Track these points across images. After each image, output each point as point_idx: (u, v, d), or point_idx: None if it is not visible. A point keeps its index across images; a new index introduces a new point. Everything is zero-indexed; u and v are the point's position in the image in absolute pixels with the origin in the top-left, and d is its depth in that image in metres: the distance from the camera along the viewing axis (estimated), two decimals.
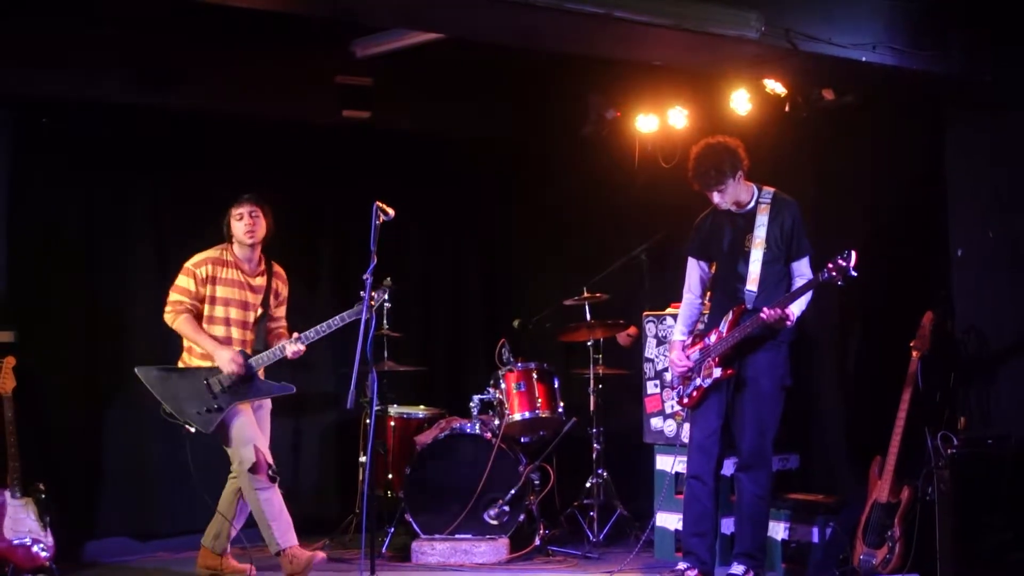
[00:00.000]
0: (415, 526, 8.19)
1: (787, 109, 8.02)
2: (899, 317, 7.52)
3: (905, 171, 7.78)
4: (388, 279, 8.39)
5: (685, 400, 7.22)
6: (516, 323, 8.87)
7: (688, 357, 7.21)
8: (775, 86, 7.81)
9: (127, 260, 8.58)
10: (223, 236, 7.54)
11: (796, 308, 6.93)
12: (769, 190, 7.14)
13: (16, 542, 7.34)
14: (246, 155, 8.87)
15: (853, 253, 6.61)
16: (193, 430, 7.29)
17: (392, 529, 8.42)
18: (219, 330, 7.42)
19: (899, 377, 7.07)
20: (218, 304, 7.45)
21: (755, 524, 7.07)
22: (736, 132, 8.33)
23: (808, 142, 8.27)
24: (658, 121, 8.99)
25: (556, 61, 8.12)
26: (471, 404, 8.58)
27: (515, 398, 8.39)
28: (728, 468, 7.44)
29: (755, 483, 7.02)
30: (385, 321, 8.61)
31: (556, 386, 8.52)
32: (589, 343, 8.58)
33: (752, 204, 7.11)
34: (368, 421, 7.45)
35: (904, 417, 6.91)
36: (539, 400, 8.40)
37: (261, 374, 7.48)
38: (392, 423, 8.69)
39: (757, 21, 6.54)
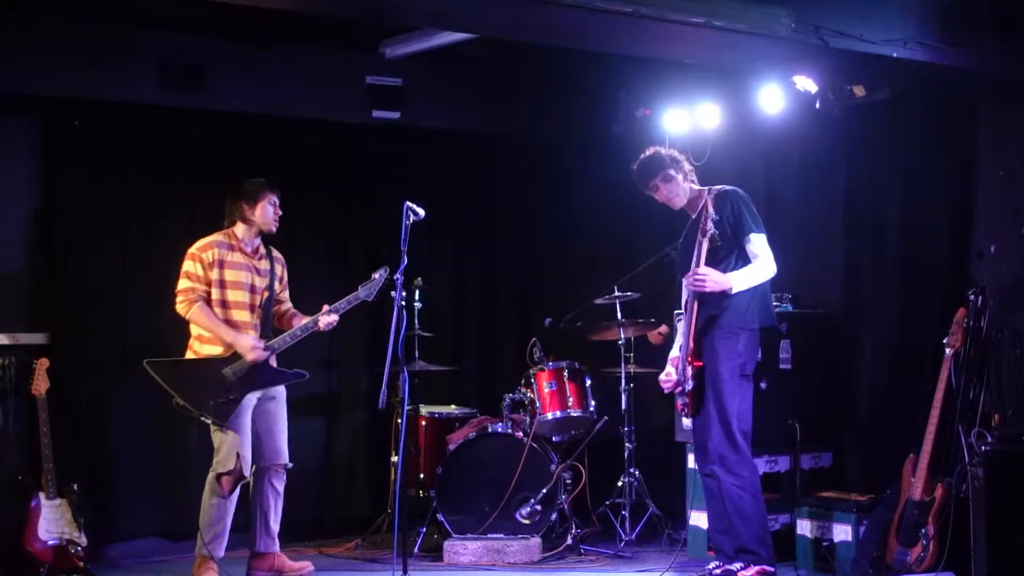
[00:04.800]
0: (447, 526, 8.20)
1: (818, 106, 7.97)
2: (932, 314, 7.50)
3: (937, 167, 7.73)
4: (419, 279, 8.42)
5: (686, 410, 7.12)
6: (547, 322, 8.86)
7: (677, 369, 7.15)
8: (806, 83, 7.78)
9: (159, 261, 8.57)
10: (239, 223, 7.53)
11: (739, 278, 6.90)
12: (715, 188, 7.11)
13: (51, 543, 7.39)
14: (278, 155, 8.90)
15: (709, 201, 6.79)
16: (209, 422, 7.25)
17: (424, 529, 8.42)
18: (224, 313, 7.33)
19: (932, 374, 7.04)
20: (228, 288, 7.36)
21: (743, 518, 6.92)
22: (766, 129, 8.37)
23: (839, 139, 8.23)
24: (688, 119, 8.96)
25: (586, 59, 8.13)
26: (502, 403, 8.58)
27: (546, 397, 8.40)
28: None
29: (730, 473, 6.90)
30: (416, 321, 8.63)
31: (587, 385, 8.52)
32: (620, 342, 8.57)
33: (702, 204, 7.07)
34: (400, 421, 7.47)
35: (937, 414, 6.88)
36: (570, 399, 8.40)
37: (273, 361, 7.45)
38: (424, 423, 8.70)
39: (787, 18, 6.53)
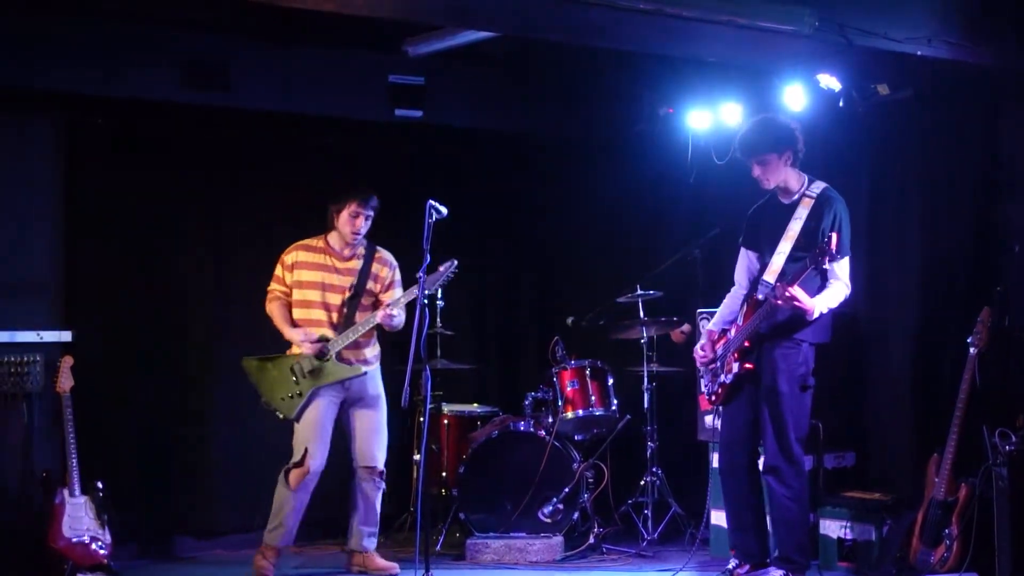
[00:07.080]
0: (469, 524, 8.21)
1: (842, 104, 7.95)
2: (956, 314, 7.46)
3: (961, 166, 7.70)
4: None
5: (712, 398, 7.14)
6: (569, 320, 8.86)
7: (716, 351, 7.14)
8: (829, 81, 7.76)
9: (183, 258, 8.64)
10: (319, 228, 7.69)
11: (821, 303, 6.72)
12: (820, 184, 6.99)
13: (75, 540, 7.42)
14: (299, 153, 8.92)
15: (834, 235, 6.51)
16: (281, 417, 7.50)
17: (446, 527, 8.45)
18: (304, 312, 7.57)
19: (956, 374, 7.00)
20: (304, 288, 7.59)
21: (789, 527, 6.90)
22: None
23: (863, 137, 8.20)
24: (711, 117, 8.95)
25: (609, 57, 8.11)
26: (525, 402, 8.60)
27: (569, 396, 8.40)
28: None
29: (782, 484, 6.87)
30: (439, 319, 8.63)
31: (610, 384, 8.51)
32: (643, 340, 8.56)
33: (798, 195, 6.97)
34: (422, 419, 7.47)
35: (961, 414, 6.84)
36: (593, 398, 8.40)
37: (343, 356, 7.55)
38: (446, 421, 8.72)
39: (811, 16, 6.52)
